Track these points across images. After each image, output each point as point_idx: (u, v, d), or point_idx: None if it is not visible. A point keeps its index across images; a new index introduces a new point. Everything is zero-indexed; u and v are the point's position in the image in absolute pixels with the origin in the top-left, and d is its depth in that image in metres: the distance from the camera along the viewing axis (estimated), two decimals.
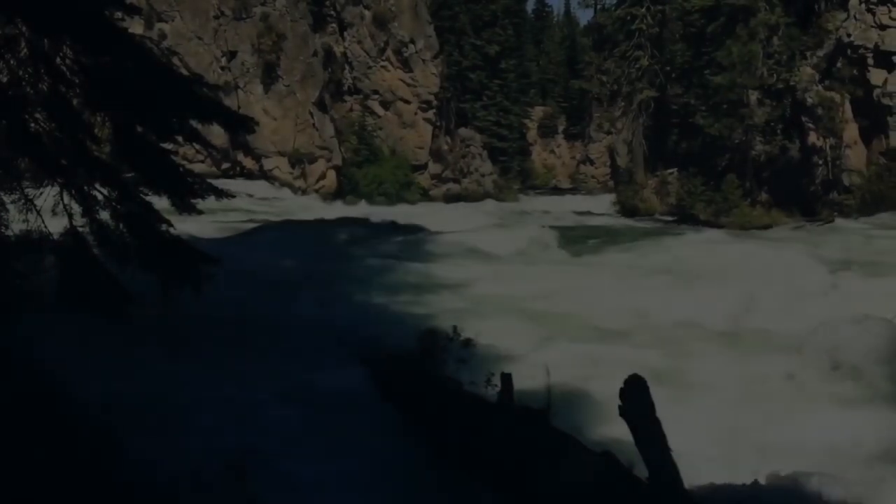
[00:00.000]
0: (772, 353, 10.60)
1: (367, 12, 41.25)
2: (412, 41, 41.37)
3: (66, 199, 8.52)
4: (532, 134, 61.00)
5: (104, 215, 8.74)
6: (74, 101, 8.51)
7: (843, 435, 7.71)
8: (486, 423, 6.45)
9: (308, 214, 27.88)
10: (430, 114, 42.47)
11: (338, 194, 38.41)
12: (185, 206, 9.51)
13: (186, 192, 9.35)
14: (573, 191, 54.43)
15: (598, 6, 50.24)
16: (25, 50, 7.85)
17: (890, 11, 28.45)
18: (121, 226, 8.83)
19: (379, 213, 32.02)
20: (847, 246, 19.30)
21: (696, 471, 6.42)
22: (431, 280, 15.20)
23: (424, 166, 42.68)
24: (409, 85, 41.91)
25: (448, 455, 6.74)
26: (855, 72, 29.49)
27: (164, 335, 9.66)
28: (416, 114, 42.15)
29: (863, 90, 29.42)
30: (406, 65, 41.64)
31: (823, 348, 10.29)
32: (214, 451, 4.91)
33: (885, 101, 28.40)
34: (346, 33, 41.78)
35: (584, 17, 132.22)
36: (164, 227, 9.43)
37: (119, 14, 9.07)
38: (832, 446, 7.45)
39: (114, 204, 8.81)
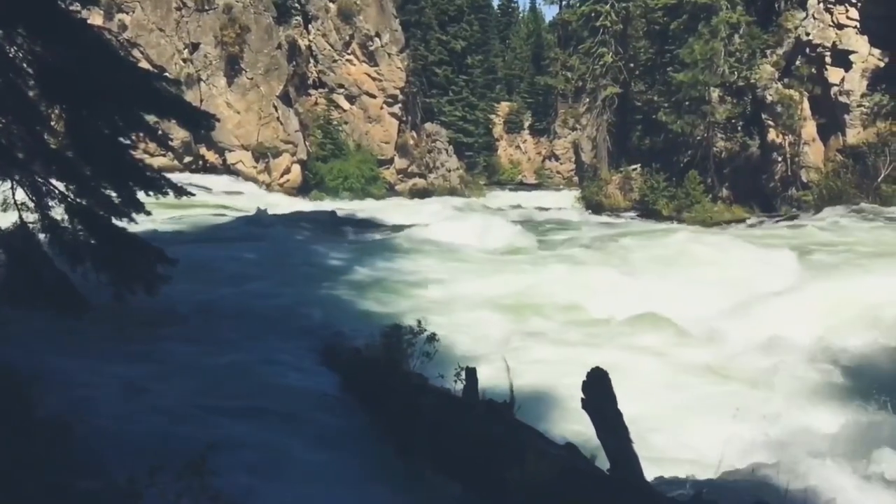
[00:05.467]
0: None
1: (331, 5, 40.96)
2: (378, 35, 41.18)
3: (18, 194, 8.32)
4: (498, 129, 61.27)
5: (58, 211, 8.55)
6: (31, 94, 8.31)
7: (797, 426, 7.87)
8: (452, 417, 6.45)
9: (272, 209, 27.62)
10: (396, 108, 42.34)
11: (303, 189, 38.13)
12: (132, 204, 9.32)
13: (142, 188, 9.18)
14: (539, 186, 54.76)
15: (563, 2, 50.50)
16: None
17: (847, 11, 28.99)
18: (75, 222, 8.63)
19: (344, 207, 31.92)
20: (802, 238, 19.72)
21: (657, 461, 6.51)
22: (395, 274, 15.18)
23: (390, 161, 42.56)
24: (374, 79, 41.72)
25: (415, 449, 6.73)
26: (813, 70, 30.02)
27: (116, 332, 9.48)
28: (381, 108, 41.98)
29: (821, 88, 29.97)
30: (371, 59, 41.45)
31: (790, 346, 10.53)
32: (174, 447, 4.86)
33: (842, 99, 28.97)
34: (310, 26, 41.44)
35: (549, 12, 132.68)
36: (123, 220, 9.26)
37: (76, 4, 8.88)
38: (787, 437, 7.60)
39: (69, 199, 8.62)
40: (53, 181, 8.58)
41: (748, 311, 12.12)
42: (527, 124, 61.91)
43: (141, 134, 9.35)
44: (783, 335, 10.87)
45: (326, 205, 33.35)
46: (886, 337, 10.10)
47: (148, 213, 9.67)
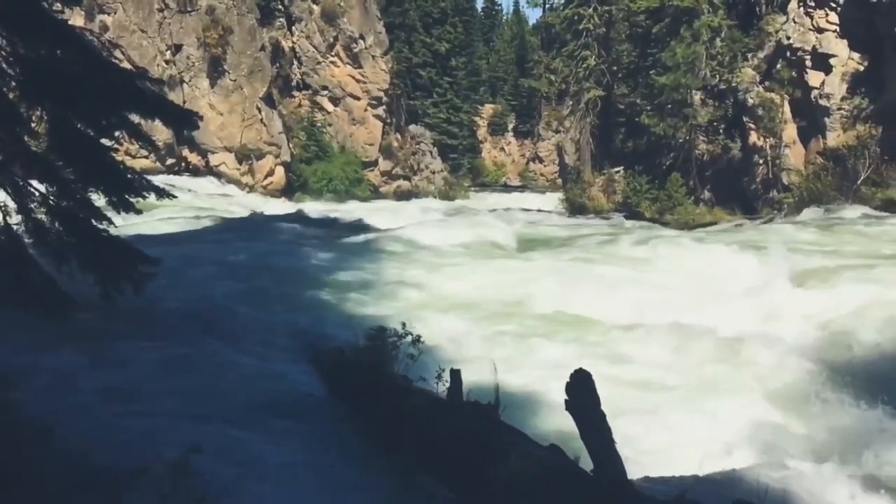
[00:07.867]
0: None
1: (315, 7, 40.89)
2: (362, 37, 41.16)
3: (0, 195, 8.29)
4: (482, 132, 61.47)
5: (40, 213, 8.52)
6: (11, 95, 8.26)
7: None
8: (437, 419, 6.47)
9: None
10: (380, 110, 42.32)
11: (286, 191, 38.03)
12: (123, 205, 9.31)
13: (125, 189, 9.16)
14: (523, 188, 54.94)
15: (547, 5, 50.70)
16: None
17: (827, 15, 29.31)
18: (57, 224, 8.60)
19: (328, 209, 31.84)
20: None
21: (640, 462, 6.56)
22: (377, 276, 15.15)
23: (374, 163, 42.53)
24: (358, 81, 41.69)
25: (400, 452, 6.75)
26: (794, 73, 30.34)
27: (95, 333, 9.42)
28: (365, 110, 41.95)
29: (801, 91, 30.28)
30: (355, 61, 41.40)
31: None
32: (156, 450, 4.84)
33: (823, 102, 29.28)
34: (294, 28, 41.36)
35: (532, 15, 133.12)
36: (104, 223, 9.23)
37: (57, 5, 8.84)
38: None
39: (51, 201, 8.58)
40: (34, 183, 8.54)
41: (719, 310, 12.20)
42: (511, 126, 62.13)
43: (125, 134, 9.31)
44: (760, 334, 10.97)
45: (310, 207, 33.27)
46: (869, 336, 10.21)
47: (139, 212, 9.68)
